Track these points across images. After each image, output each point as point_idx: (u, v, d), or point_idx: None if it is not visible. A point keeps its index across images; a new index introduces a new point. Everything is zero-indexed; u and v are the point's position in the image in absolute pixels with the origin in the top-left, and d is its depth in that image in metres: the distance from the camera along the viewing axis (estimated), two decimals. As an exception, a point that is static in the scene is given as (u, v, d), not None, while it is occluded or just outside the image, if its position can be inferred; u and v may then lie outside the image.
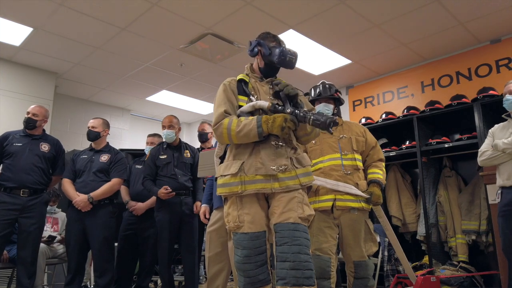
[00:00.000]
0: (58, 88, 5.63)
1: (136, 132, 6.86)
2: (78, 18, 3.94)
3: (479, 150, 2.98)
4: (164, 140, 3.58)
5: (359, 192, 2.45)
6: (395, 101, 5.17)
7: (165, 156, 3.47)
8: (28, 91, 4.99)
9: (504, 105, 2.91)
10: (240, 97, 1.95)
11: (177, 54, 4.73)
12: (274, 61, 1.96)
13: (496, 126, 3.03)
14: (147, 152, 3.89)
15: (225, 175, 1.87)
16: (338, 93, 2.75)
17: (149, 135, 4.02)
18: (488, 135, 3.04)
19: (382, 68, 5.18)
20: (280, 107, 1.85)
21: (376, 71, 5.28)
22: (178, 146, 3.58)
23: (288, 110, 1.81)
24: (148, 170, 3.47)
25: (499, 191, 2.87)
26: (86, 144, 3.74)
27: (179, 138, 3.66)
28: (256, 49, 2.02)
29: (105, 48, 4.58)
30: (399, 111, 4.66)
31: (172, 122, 3.53)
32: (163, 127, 3.55)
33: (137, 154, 4.63)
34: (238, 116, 1.90)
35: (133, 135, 6.78)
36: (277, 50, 1.95)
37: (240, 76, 2.01)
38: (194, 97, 6.21)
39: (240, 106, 1.93)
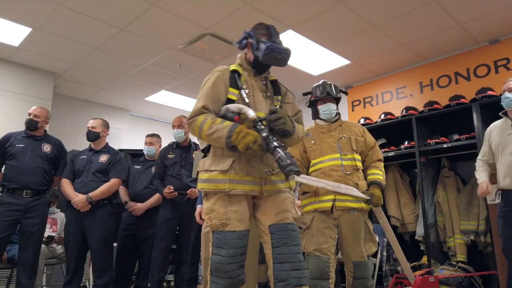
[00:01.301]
0: (57, 88, 5.62)
1: (135, 132, 6.85)
2: (77, 18, 3.93)
3: (478, 160, 3.09)
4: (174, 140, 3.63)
5: (360, 194, 2.45)
6: (394, 101, 5.17)
7: (173, 156, 3.53)
8: (27, 91, 4.99)
9: (502, 103, 2.89)
10: (231, 89, 1.82)
11: (176, 54, 4.73)
12: (259, 56, 1.82)
13: (492, 125, 3.02)
14: (145, 152, 3.89)
15: (211, 170, 1.78)
16: (341, 92, 2.75)
17: (148, 135, 4.01)
18: (485, 137, 3.05)
19: (381, 68, 5.18)
20: (259, 126, 1.71)
21: (375, 72, 5.29)
22: (187, 147, 3.61)
23: (264, 135, 1.69)
24: (157, 169, 3.56)
25: (499, 192, 2.88)
26: (85, 144, 3.74)
27: (190, 138, 3.69)
28: (245, 41, 1.89)
29: (104, 48, 4.58)
30: (398, 112, 4.67)
31: (181, 121, 3.58)
32: (173, 126, 3.62)
33: (136, 154, 4.63)
34: (222, 115, 1.78)
35: (132, 135, 6.77)
36: (263, 46, 1.80)
37: (233, 67, 1.88)
38: (193, 97, 6.20)
39: (229, 99, 1.81)
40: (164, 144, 3.93)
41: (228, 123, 1.72)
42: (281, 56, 1.84)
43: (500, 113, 2.99)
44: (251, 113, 1.74)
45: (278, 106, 1.90)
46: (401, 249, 2.82)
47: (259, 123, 1.72)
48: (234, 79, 1.84)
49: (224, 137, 1.69)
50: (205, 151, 1.92)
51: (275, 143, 1.67)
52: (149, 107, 6.70)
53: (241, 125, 1.71)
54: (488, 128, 3.07)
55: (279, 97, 1.96)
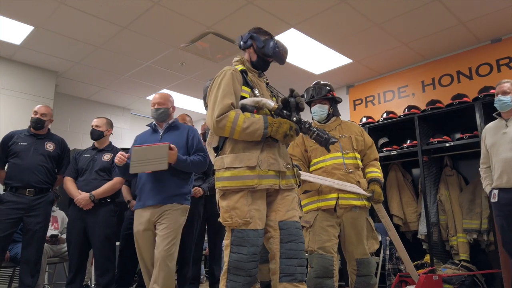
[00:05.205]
0: (58, 87, 5.62)
1: (137, 131, 6.74)
2: (79, 17, 3.93)
3: (480, 164, 3.11)
4: None
5: (363, 192, 2.48)
6: (396, 100, 5.17)
7: None
8: (28, 90, 4.98)
9: (495, 105, 2.99)
10: (244, 88, 1.89)
11: (178, 53, 4.73)
12: (268, 53, 1.95)
13: (486, 127, 3.10)
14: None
15: (236, 167, 1.77)
16: (332, 92, 2.74)
17: (150, 134, 4.00)
18: (481, 140, 3.13)
19: (382, 67, 5.18)
20: (285, 113, 1.81)
21: (376, 70, 5.29)
22: None
23: (295, 119, 1.80)
24: None
25: (496, 191, 2.91)
26: (87, 143, 3.74)
27: None
28: (249, 42, 2.00)
29: (105, 47, 4.58)
30: (399, 111, 4.67)
31: (185, 119, 3.60)
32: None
33: (138, 153, 4.61)
34: (242, 109, 1.83)
35: (134, 134, 6.69)
36: (271, 43, 1.96)
37: (240, 67, 1.96)
38: (195, 96, 6.20)
39: (242, 97, 1.87)
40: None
41: (258, 116, 1.79)
42: (286, 53, 2.02)
43: (494, 114, 3.08)
44: (271, 103, 1.82)
45: None
46: (404, 248, 2.82)
47: (283, 110, 1.81)
48: (244, 78, 1.92)
49: (262, 129, 1.75)
50: (218, 149, 1.91)
51: (307, 124, 1.79)
52: (150, 106, 6.67)
53: (269, 116, 1.81)
54: (483, 130, 3.15)
55: (274, 99, 2.06)
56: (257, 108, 1.85)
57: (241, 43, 2.02)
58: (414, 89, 5.02)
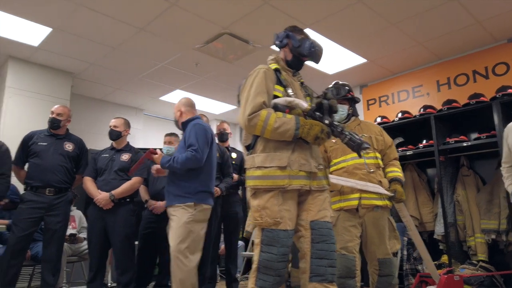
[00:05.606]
0: (74, 88, 5.67)
1: (149, 131, 6.89)
2: (96, 18, 3.97)
3: (502, 164, 3.02)
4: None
5: (385, 192, 2.48)
6: (410, 100, 5.15)
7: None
8: (45, 91, 5.04)
9: None
10: (277, 87, 1.88)
11: (193, 53, 4.74)
12: (304, 53, 1.96)
13: (509, 126, 3.03)
14: (164, 151, 3.89)
15: (267, 167, 1.77)
16: (351, 92, 2.75)
17: (167, 135, 4.00)
18: (503, 139, 3.06)
19: (397, 67, 5.15)
20: (318, 115, 1.80)
21: (391, 70, 5.26)
22: None
23: (327, 122, 1.79)
24: None
25: None
26: (101, 143, 3.77)
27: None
28: (285, 41, 2.00)
29: (121, 48, 4.61)
30: (414, 110, 4.64)
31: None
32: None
33: (151, 153, 4.65)
34: (274, 108, 1.82)
35: (146, 134, 6.81)
36: (307, 42, 1.95)
37: (274, 66, 1.95)
38: (208, 96, 6.23)
39: (275, 96, 1.86)
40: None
41: (290, 116, 1.78)
42: (321, 52, 2.01)
43: None
44: (304, 104, 1.81)
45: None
46: (426, 248, 2.81)
47: (315, 112, 1.79)
48: (277, 77, 1.91)
49: (293, 129, 1.74)
50: (250, 148, 1.91)
51: (340, 127, 1.77)
52: (163, 107, 6.73)
53: (301, 117, 1.79)
54: (505, 129, 3.08)
55: (308, 98, 2.04)
56: (290, 108, 1.84)
57: (277, 42, 2.03)
58: (428, 88, 4.99)
